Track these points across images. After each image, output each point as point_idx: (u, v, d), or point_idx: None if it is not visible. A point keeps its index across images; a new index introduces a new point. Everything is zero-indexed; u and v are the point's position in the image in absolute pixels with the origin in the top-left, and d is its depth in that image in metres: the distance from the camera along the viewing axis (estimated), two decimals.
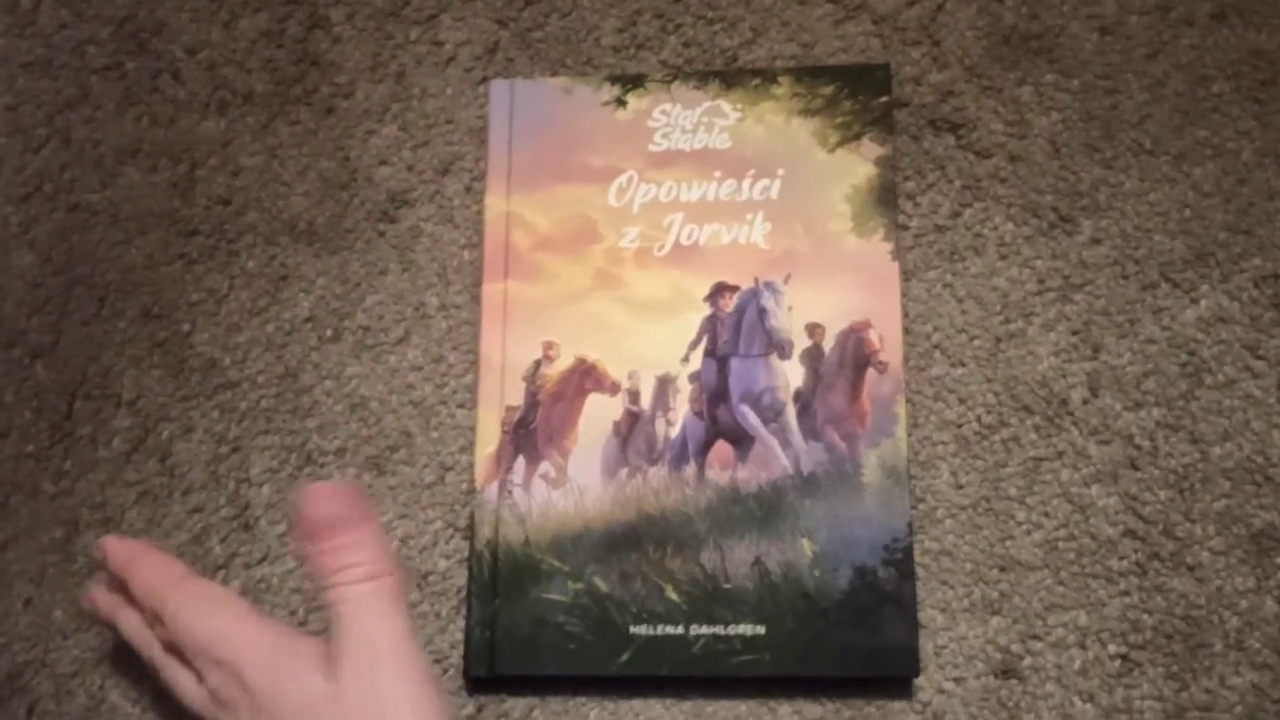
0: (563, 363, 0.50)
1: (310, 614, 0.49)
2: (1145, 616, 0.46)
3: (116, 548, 0.46)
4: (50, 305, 0.53)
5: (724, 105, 0.51)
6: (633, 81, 0.52)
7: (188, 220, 0.54)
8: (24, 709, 0.49)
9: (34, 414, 0.52)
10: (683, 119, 0.51)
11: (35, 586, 0.50)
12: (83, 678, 0.49)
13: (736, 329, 0.49)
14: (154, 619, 0.43)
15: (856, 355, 0.48)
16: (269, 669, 0.40)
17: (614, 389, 0.49)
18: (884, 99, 0.51)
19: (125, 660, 0.49)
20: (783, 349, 0.49)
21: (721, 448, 0.48)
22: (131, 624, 0.45)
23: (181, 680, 0.43)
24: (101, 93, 0.56)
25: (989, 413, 0.49)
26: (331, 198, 0.54)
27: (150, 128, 0.55)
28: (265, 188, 0.54)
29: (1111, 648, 0.46)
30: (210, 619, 0.42)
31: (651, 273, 0.50)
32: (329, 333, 0.52)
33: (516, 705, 0.47)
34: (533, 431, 0.49)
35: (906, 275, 0.50)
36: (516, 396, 0.49)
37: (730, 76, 0.52)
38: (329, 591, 0.40)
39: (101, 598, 0.47)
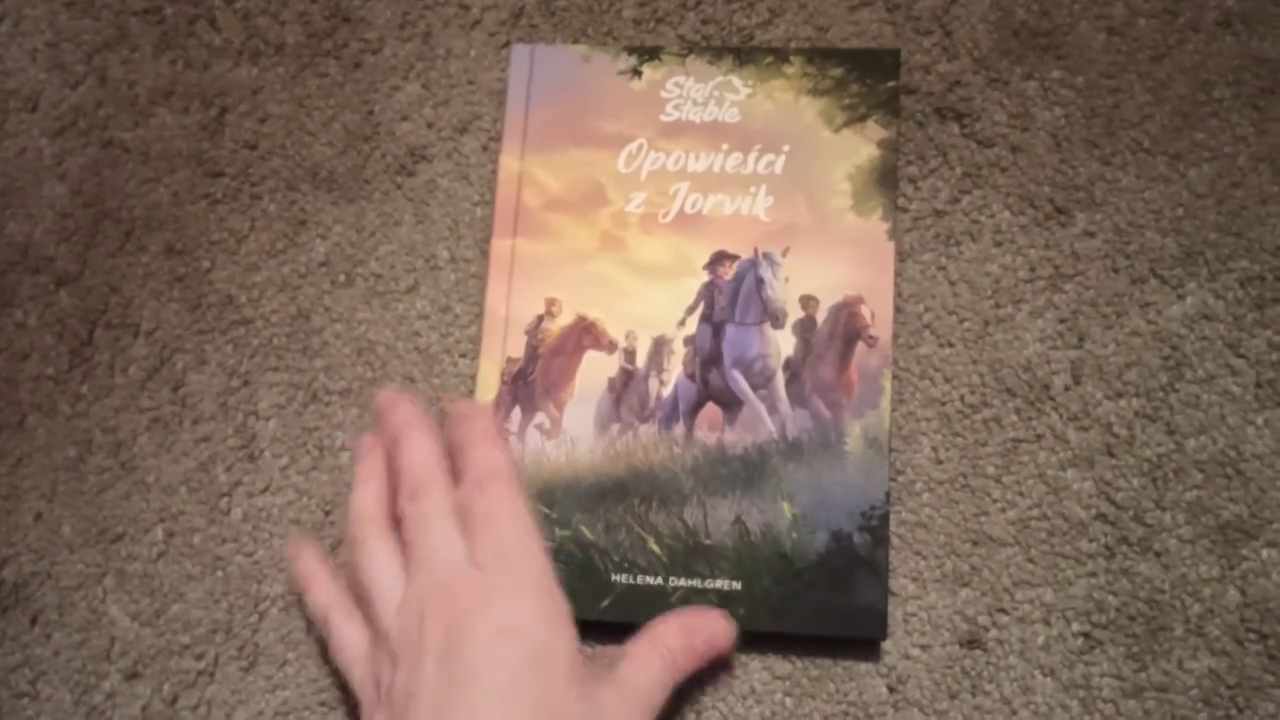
0: (564, 319, 0.51)
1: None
2: (1110, 598, 0.48)
3: (459, 407, 0.48)
4: (78, 236, 0.56)
5: (736, 81, 0.53)
6: (649, 53, 0.54)
7: (214, 162, 0.56)
8: (28, 618, 0.51)
9: (56, 338, 0.54)
10: (695, 92, 0.53)
11: (46, 502, 0.52)
12: (85, 591, 0.51)
13: (733, 297, 0.51)
14: (464, 480, 0.45)
15: (848, 329, 0.50)
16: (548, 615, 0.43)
17: (611, 347, 0.51)
18: (891, 84, 0.52)
19: (124, 577, 0.51)
20: (777, 318, 0.50)
21: (711, 410, 0.50)
22: (364, 500, 0.47)
23: (349, 628, 0.45)
24: (140, 35, 0.58)
25: (973, 393, 0.50)
26: (353, 149, 0.56)
27: (184, 71, 0.57)
28: (290, 135, 0.56)
29: (1075, 626, 0.48)
30: (527, 517, 0.44)
31: (655, 238, 0.52)
32: (342, 278, 0.54)
33: None
34: (531, 383, 0.51)
35: (902, 256, 0.52)
36: (517, 349, 0.51)
37: (743, 53, 0.53)
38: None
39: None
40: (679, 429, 0.50)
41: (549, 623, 0.42)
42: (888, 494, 0.48)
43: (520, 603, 0.42)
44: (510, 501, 0.44)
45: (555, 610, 0.43)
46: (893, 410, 0.50)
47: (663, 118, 0.53)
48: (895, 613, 0.48)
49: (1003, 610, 0.48)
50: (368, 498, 0.47)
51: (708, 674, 0.48)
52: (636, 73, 0.54)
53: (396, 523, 0.46)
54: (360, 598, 0.46)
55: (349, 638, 0.45)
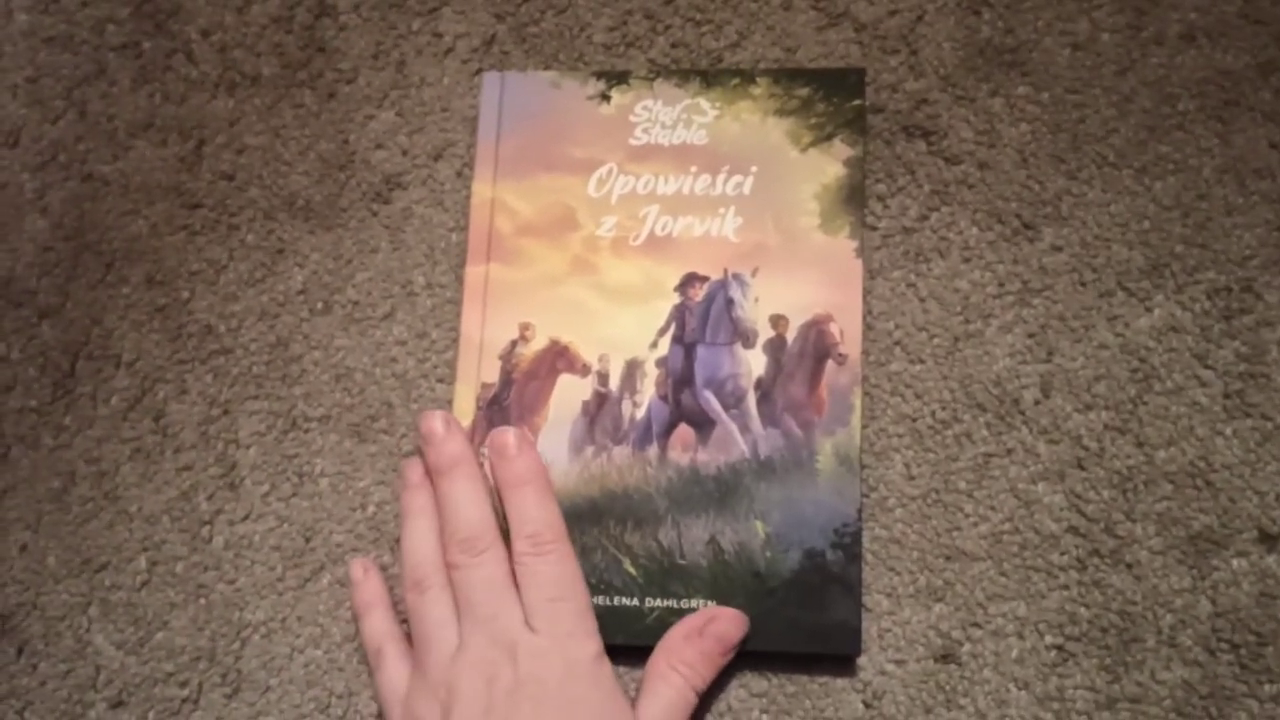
0: (537, 344, 0.52)
1: (288, 571, 0.51)
2: (1082, 610, 0.48)
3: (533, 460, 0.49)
4: (59, 269, 0.56)
5: (703, 103, 0.54)
6: (618, 78, 0.54)
7: (193, 193, 0.57)
8: (14, 648, 0.52)
9: (38, 371, 0.55)
10: (663, 115, 0.54)
11: (31, 533, 0.53)
12: (70, 620, 0.52)
13: (704, 318, 0.51)
14: (528, 540, 0.47)
15: (817, 347, 0.50)
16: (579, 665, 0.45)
17: (584, 371, 0.51)
18: (857, 102, 0.53)
19: (109, 606, 0.52)
20: (747, 338, 0.51)
21: (684, 431, 0.50)
22: (418, 531, 0.48)
23: (400, 666, 0.47)
24: (118, 69, 0.59)
25: (943, 408, 0.51)
26: (329, 178, 0.56)
27: (163, 104, 0.58)
28: (267, 165, 0.57)
29: (1048, 638, 0.48)
30: (581, 582, 0.47)
31: (626, 261, 0.52)
32: (320, 305, 0.55)
33: None
34: (506, 408, 0.51)
35: (872, 274, 0.52)
36: (492, 374, 0.52)
37: (710, 76, 0.54)
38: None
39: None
40: (652, 450, 0.50)
41: (598, 686, 0.45)
42: (860, 511, 0.48)
43: (575, 674, 0.44)
44: (565, 566, 0.47)
45: (603, 674, 0.45)
46: (864, 427, 0.50)
47: (632, 141, 0.53)
48: (870, 629, 0.49)
49: (976, 624, 0.48)
50: (429, 538, 0.48)
51: None
52: (605, 97, 0.54)
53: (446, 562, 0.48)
54: (411, 635, 0.48)
55: (398, 674, 0.47)
